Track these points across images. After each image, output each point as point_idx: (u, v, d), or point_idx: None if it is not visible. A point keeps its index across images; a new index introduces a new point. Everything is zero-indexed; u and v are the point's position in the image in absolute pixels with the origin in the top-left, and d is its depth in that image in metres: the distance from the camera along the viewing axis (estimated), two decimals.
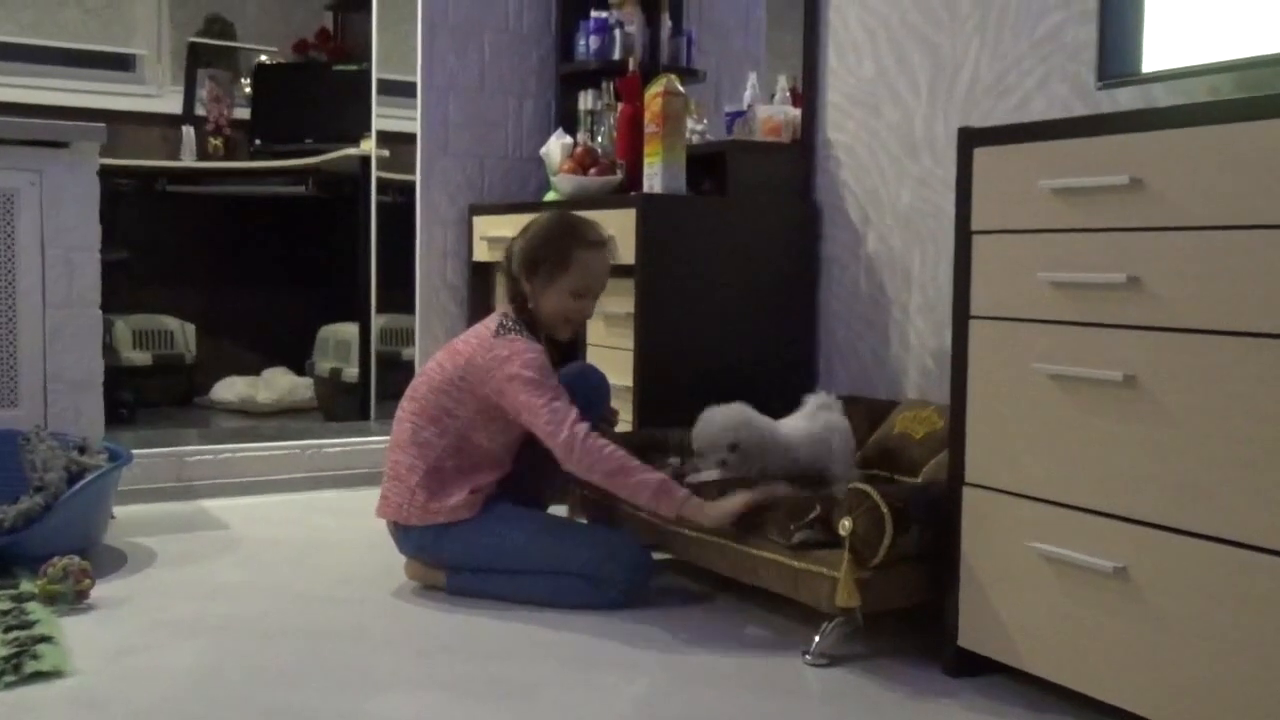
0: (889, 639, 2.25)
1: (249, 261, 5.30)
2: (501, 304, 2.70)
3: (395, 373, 4.23)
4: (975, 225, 2.01)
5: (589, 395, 2.68)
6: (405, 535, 2.56)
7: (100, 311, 3.11)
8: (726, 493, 2.35)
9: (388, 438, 2.64)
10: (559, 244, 2.57)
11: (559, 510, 2.78)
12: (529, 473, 2.61)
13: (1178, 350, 1.68)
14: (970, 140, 2.02)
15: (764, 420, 2.50)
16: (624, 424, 2.95)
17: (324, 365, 4.83)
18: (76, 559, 2.42)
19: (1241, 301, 1.59)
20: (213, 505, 3.39)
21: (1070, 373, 1.83)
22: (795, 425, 2.56)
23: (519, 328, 2.53)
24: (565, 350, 2.72)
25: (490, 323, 2.57)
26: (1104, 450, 1.79)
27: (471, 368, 2.49)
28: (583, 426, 2.38)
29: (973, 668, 2.05)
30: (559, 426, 2.38)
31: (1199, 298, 1.65)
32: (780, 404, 2.63)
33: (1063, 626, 1.86)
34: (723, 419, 2.45)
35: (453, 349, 2.57)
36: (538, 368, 2.44)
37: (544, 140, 3.76)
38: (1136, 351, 1.74)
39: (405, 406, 2.58)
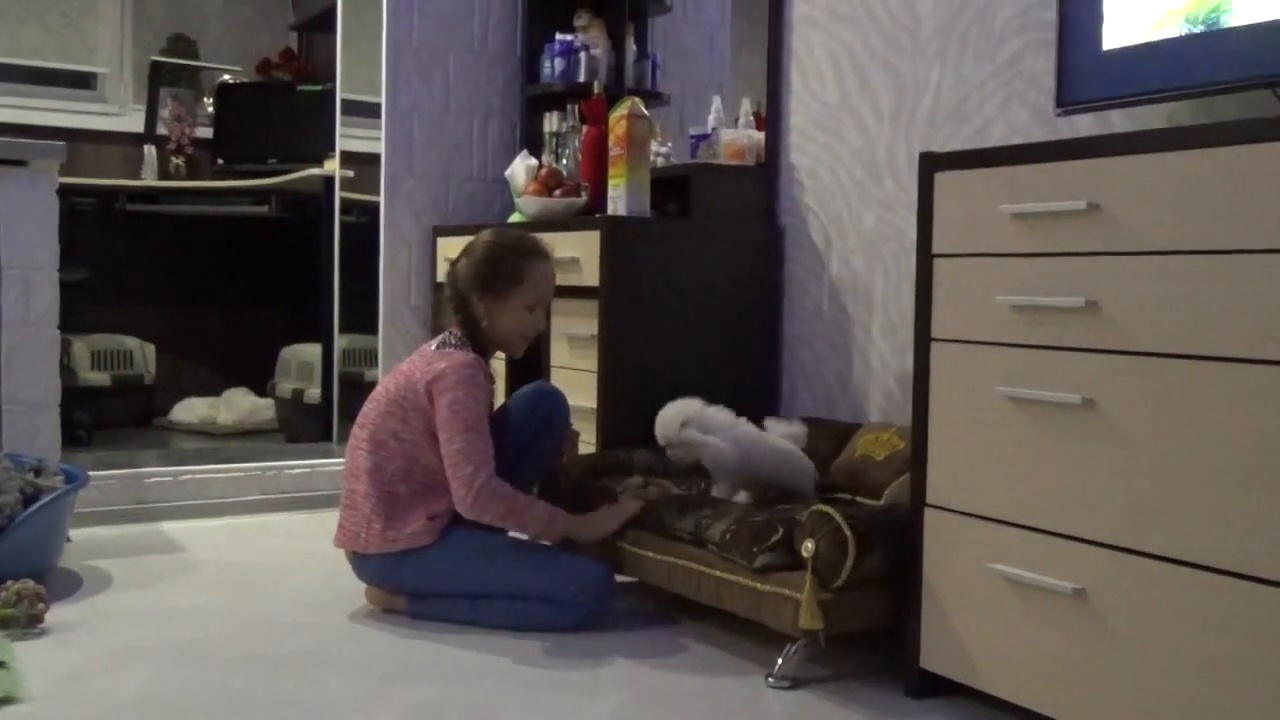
0: (851, 661, 2.25)
1: (210, 281, 5.25)
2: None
3: (358, 394, 4.17)
4: (936, 249, 2.03)
5: (549, 415, 2.67)
6: (363, 563, 2.54)
7: (58, 332, 3.08)
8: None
9: None
10: (510, 260, 2.57)
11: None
12: None
13: (1136, 373, 1.70)
14: (931, 165, 2.04)
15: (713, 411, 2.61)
16: (587, 445, 2.94)
17: (286, 386, 4.79)
18: (31, 582, 2.39)
19: (1198, 325, 1.61)
20: (171, 528, 3.35)
21: (1030, 395, 1.85)
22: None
23: (462, 344, 2.53)
24: (524, 367, 2.72)
25: (433, 341, 2.57)
26: (1063, 472, 1.80)
27: (411, 386, 2.49)
28: (487, 470, 2.40)
29: (934, 689, 2.06)
30: (467, 461, 2.39)
31: (1157, 322, 1.67)
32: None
33: (1023, 648, 1.87)
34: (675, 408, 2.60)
35: (397, 371, 2.57)
36: (471, 383, 2.44)
37: (509, 162, 3.76)
38: (1095, 375, 1.75)
39: (356, 434, 2.56)
